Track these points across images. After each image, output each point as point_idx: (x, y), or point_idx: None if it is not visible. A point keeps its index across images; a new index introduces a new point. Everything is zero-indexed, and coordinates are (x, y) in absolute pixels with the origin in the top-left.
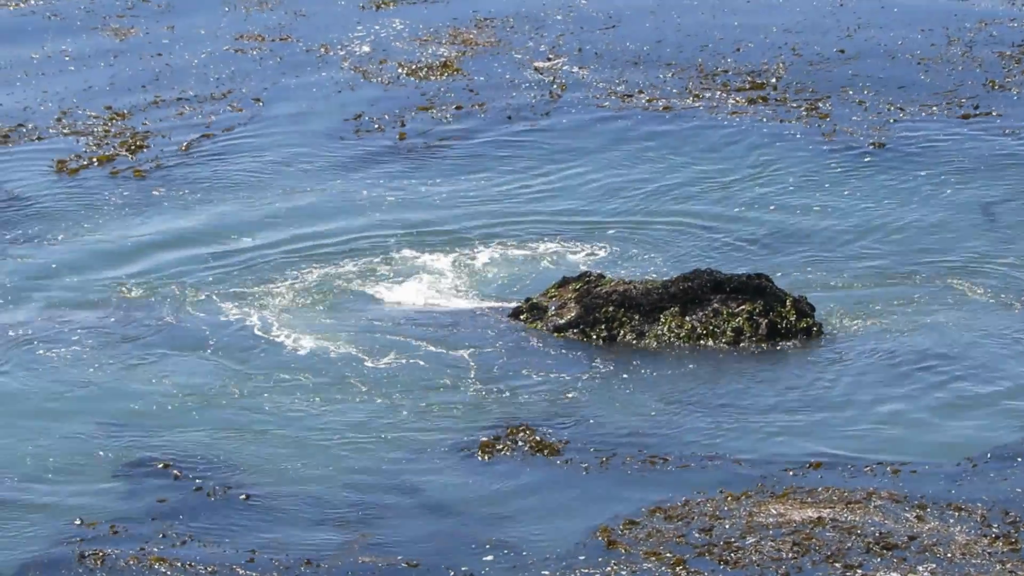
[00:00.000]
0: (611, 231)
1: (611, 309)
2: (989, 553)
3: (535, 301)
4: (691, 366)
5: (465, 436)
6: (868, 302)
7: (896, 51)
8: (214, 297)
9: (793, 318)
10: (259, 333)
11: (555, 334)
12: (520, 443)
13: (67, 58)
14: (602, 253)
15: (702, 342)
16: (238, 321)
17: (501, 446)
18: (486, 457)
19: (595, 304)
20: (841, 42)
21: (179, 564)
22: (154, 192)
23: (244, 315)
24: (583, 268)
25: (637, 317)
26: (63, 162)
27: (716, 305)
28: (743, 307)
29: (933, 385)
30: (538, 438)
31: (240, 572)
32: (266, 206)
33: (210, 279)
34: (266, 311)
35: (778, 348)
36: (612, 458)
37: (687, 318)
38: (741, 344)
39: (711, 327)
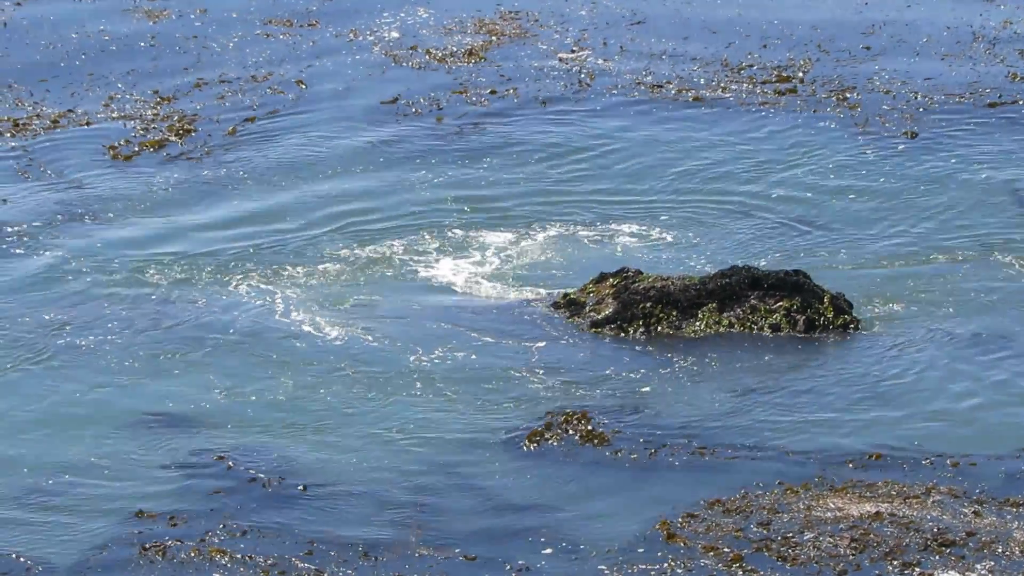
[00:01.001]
0: (652, 213)
1: (648, 305)
2: None
3: (572, 296)
4: (736, 358)
5: (515, 428)
6: (912, 285)
7: (921, 48)
8: (264, 285)
9: (831, 314)
10: (306, 326)
11: (592, 329)
12: (571, 433)
13: (106, 38)
14: (641, 235)
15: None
16: (285, 311)
17: (551, 436)
18: (536, 447)
19: (632, 300)
20: (867, 39)
21: (239, 556)
22: (204, 176)
23: (291, 305)
24: (620, 252)
25: (675, 313)
26: (114, 148)
27: (754, 301)
28: (780, 303)
29: (985, 372)
30: (589, 428)
31: (299, 564)
32: (316, 189)
33: (262, 266)
34: (313, 301)
35: (819, 341)
36: (662, 449)
37: (724, 314)
38: (781, 335)
39: (749, 323)
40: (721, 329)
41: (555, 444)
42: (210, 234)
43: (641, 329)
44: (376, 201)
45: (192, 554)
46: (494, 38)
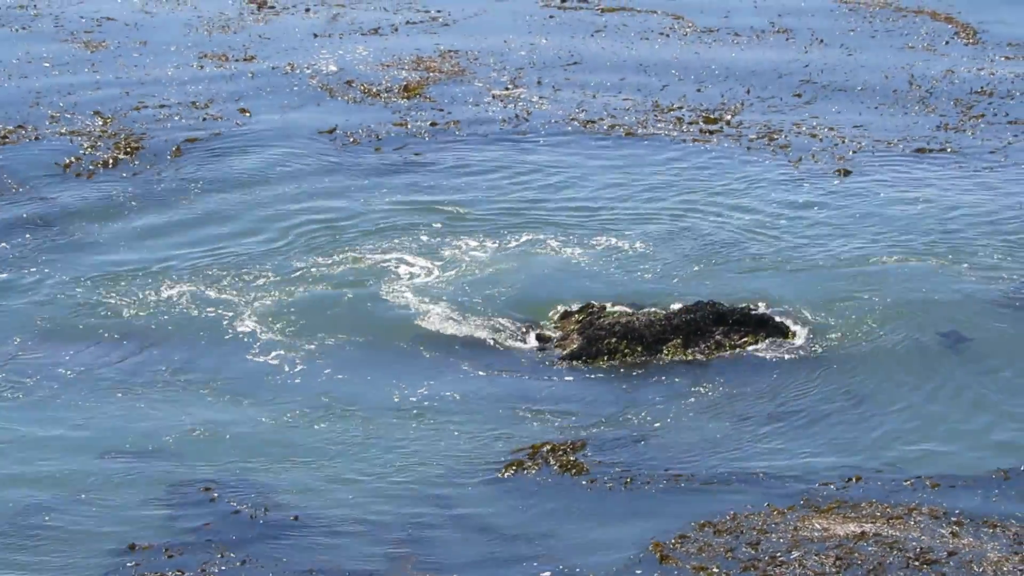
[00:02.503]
0: (593, 236)
1: (613, 341)
2: (1020, 571)
3: (539, 332)
4: (709, 386)
5: (498, 459)
6: (868, 308)
7: (855, 96)
8: (228, 313)
9: (806, 342)
10: (276, 356)
11: (561, 363)
12: (553, 463)
13: (46, 64)
14: (584, 259)
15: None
16: (250, 340)
17: (533, 466)
18: (520, 477)
19: (598, 336)
20: (802, 87)
21: None
22: (151, 194)
23: (261, 332)
24: (566, 271)
25: (640, 348)
26: (66, 165)
27: (719, 337)
28: (746, 339)
29: (956, 393)
30: (572, 458)
31: None
32: (272, 208)
33: (220, 290)
34: (281, 328)
35: (791, 364)
36: (646, 475)
37: (689, 349)
38: (752, 363)
39: (714, 357)
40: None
41: (538, 474)
42: (171, 251)
43: (611, 362)
44: (332, 217)
45: None
46: (431, 75)
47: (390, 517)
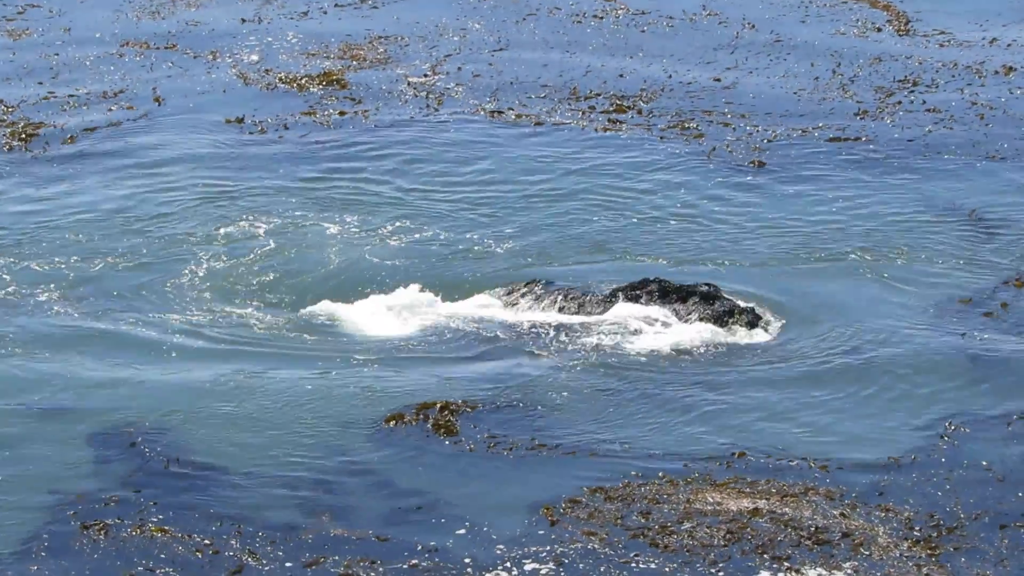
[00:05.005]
0: (496, 225)
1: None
2: (908, 556)
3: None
4: (633, 362)
5: (401, 416)
6: (785, 297)
7: (775, 83)
8: (136, 289)
9: (742, 325)
10: (179, 323)
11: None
12: (468, 424)
13: None
14: (487, 244)
15: (644, 343)
16: (160, 307)
17: (442, 425)
18: (425, 436)
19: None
20: (724, 73)
21: (178, 535)
22: (40, 178)
23: (163, 301)
24: (469, 256)
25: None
26: None
27: (666, 311)
28: (692, 314)
29: (862, 381)
30: (472, 422)
31: (233, 544)
32: (151, 196)
33: (125, 270)
34: (180, 298)
35: (717, 347)
36: (547, 440)
37: (634, 325)
38: (683, 341)
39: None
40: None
41: (445, 434)
42: (53, 235)
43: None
44: (223, 205)
45: (133, 532)
46: (355, 62)
47: (307, 471)
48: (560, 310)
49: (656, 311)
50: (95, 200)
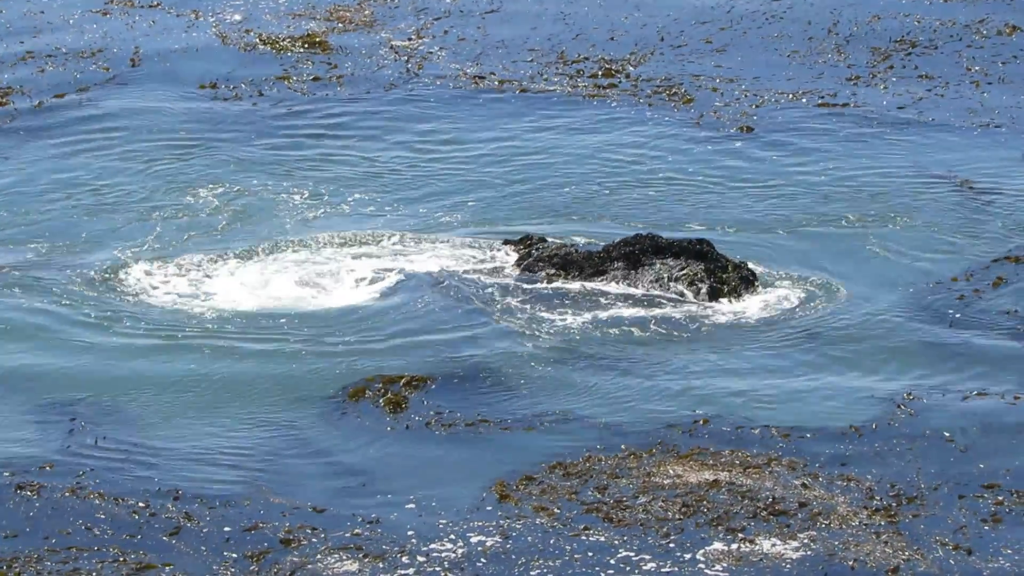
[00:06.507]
0: (477, 202)
1: (552, 272)
2: (867, 525)
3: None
4: (609, 326)
5: (349, 387)
6: (761, 277)
7: (768, 44)
8: (84, 259)
9: (735, 282)
10: (137, 292)
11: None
12: (420, 397)
13: None
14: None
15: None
16: (118, 276)
17: (386, 397)
18: (384, 412)
19: (536, 267)
20: (717, 34)
21: (113, 498)
22: (7, 150)
23: (112, 275)
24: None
25: (579, 279)
26: None
27: (658, 268)
28: (685, 271)
29: (833, 347)
30: (436, 391)
31: (170, 508)
32: (117, 169)
33: (77, 239)
34: (130, 271)
35: (700, 311)
36: (499, 413)
37: (627, 281)
38: (668, 304)
39: (651, 289)
40: (628, 291)
41: (399, 409)
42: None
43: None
44: (183, 176)
45: (68, 494)
46: (340, 25)
47: (246, 445)
48: (540, 271)
49: (650, 270)
50: (44, 172)
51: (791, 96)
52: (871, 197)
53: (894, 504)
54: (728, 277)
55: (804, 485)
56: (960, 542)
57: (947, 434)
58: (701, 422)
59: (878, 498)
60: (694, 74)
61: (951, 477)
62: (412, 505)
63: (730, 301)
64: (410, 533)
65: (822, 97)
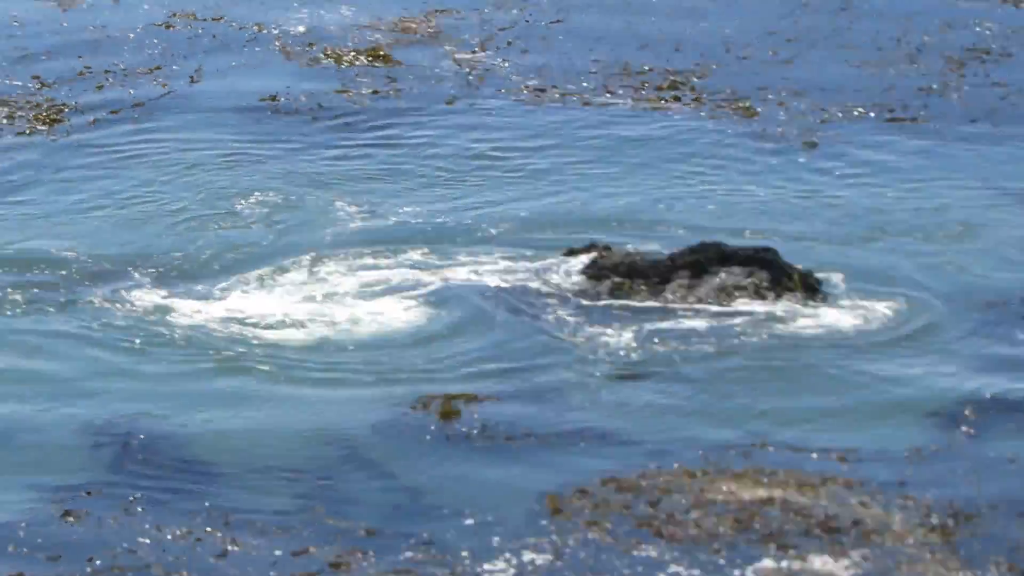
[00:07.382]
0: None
1: (617, 280)
2: (921, 543)
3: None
4: (672, 339)
5: (408, 404)
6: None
7: (837, 55)
8: (135, 275)
9: (800, 293)
10: (187, 312)
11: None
12: (475, 413)
13: (15, 24)
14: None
15: (699, 312)
16: (158, 298)
17: (448, 415)
18: (438, 427)
19: (601, 275)
20: (783, 46)
21: (160, 524)
22: (60, 165)
23: (163, 292)
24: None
25: (644, 288)
26: None
27: (723, 276)
28: (750, 279)
29: (902, 369)
30: (492, 407)
31: (217, 535)
32: (169, 183)
33: (123, 260)
34: (181, 288)
35: (770, 321)
36: (556, 429)
37: (693, 290)
38: (736, 316)
39: (717, 300)
40: (692, 304)
41: (457, 422)
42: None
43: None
44: (237, 199)
45: (112, 521)
46: (406, 36)
47: (298, 466)
48: (604, 279)
49: (715, 278)
50: (94, 187)
51: (860, 111)
52: (938, 211)
53: (951, 523)
54: (793, 285)
55: (861, 504)
56: (1016, 562)
57: (1009, 455)
58: (759, 444)
59: (935, 516)
60: (760, 86)
61: (1011, 497)
62: (464, 523)
63: (794, 312)
64: (464, 554)
65: (892, 110)
